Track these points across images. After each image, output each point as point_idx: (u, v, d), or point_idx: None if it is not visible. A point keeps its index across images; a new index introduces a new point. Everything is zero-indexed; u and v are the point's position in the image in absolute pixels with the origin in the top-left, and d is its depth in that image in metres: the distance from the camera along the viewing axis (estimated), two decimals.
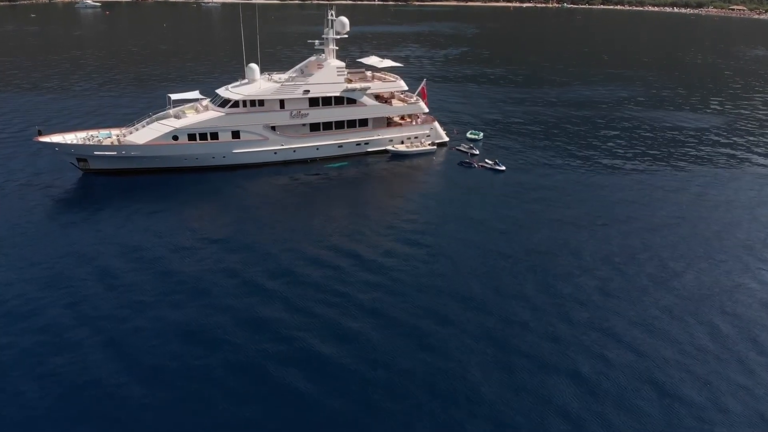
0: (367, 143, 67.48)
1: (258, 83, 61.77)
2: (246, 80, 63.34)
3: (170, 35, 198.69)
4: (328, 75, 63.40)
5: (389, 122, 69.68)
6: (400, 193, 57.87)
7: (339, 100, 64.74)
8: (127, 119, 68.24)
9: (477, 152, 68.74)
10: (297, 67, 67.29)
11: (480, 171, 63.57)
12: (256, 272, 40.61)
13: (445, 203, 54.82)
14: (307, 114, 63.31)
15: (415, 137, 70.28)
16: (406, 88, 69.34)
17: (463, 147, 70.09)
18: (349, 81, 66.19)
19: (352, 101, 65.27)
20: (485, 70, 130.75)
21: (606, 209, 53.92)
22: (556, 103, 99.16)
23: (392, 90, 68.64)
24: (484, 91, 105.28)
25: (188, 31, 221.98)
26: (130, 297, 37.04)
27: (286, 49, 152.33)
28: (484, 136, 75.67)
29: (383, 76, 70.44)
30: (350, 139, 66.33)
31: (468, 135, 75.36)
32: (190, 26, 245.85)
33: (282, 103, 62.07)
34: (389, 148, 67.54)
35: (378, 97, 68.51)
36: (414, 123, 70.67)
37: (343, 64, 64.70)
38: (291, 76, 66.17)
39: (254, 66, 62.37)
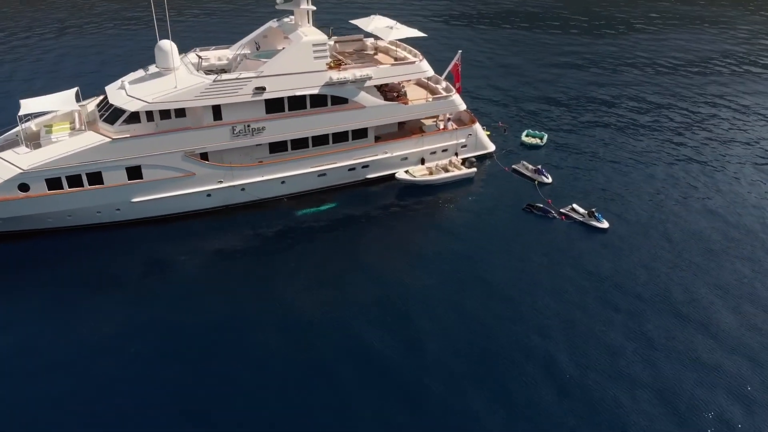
0: (366, 167, 41.42)
1: (173, 76, 35.25)
2: (154, 69, 36.62)
3: None
4: (299, 57, 36.73)
5: (400, 128, 43.30)
6: (418, 284, 32.49)
7: (318, 101, 38.39)
8: None
9: (549, 179, 42.51)
10: (244, 41, 40.24)
11: (563, 226, 37.70)
12: None
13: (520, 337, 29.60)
14: (263, 128, 37.07)
15: (444, 150, 43.89)
16: (431, 72, 42.22)
17: (526, 167, 43.75)
18: (336, 65, 39.37)
19: (340, 101, 38.79)
20: (532, 22, 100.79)
21: None
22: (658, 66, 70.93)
23: (408, 78, 41.67)
24: (533, 53, 76.60)
25: None
26: None
27: (228, 11, 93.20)
28: (548, 139, 48.94)
29: (394, 50, 43.22)
30: (338, 162, 40.28)
31: (524, 138, 48.65)
32: None
33: (217, 111, 35.80)
34: (401, 176, 41.29)
35: (384, 89, 41.69)
36: (442, 127, 44.09)
37: (324, 37, 37.70)
38: (235, 60, 39.34)
39: (166, 45, 35.59)
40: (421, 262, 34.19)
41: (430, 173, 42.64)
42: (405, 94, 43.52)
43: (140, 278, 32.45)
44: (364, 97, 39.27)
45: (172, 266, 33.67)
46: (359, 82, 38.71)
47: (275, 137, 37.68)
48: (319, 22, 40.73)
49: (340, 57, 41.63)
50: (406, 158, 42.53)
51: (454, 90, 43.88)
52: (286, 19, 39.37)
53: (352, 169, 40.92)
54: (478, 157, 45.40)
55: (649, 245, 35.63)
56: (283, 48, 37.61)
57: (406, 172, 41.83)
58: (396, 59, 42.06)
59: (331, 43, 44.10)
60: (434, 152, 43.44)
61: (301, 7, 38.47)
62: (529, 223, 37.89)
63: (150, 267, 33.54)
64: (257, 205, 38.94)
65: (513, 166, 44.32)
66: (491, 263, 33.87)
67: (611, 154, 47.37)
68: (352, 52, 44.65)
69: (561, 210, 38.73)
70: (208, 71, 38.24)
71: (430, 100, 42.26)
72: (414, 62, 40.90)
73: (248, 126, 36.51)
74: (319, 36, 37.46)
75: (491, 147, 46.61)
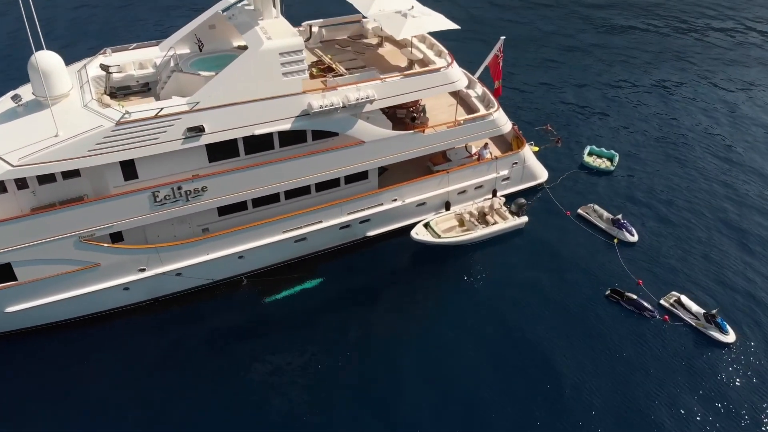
0: (365, 222, 28.28)
1: (63, 107, 21.78)
2: (30, 98, 22.92)
3: None
4: (258, 74, 23.14)
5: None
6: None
7: (293, 137, 24.81)
8: None
9: (634, 236, 29.44)
10: (180, 33, 26.29)
11: (666, 332, 25.02)
12: None
13: None
14: (204, 188, 23.80)
15: (478, 188, 30.54)
16: (464, 82, 28.14)
17: (599, 213, 30.70)
18: (321, 73, 25.94)
19: (326, 134, 25.30)
20: None
21: None
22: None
23: (430, 93, 27.52)
24: (586, 21, 60.39)
25: None
26: None
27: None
28: (620, 160, 35.21)
29: (409, 49, 28.83)
30: (324, 220, 27.12)
31: (586, 158, 34.96)
32: None
33: (129, 168, 22.49)
34: (419, 235, 28.07)
35: (394, 106, 27.92)
36: (475, 152, 30.58)
37: (297, 40, 23.75)
38: (164, 69, 25.67)
39: (46, 60, 21.88)
40: (452, 389, 22.00)
41: (461, 224, 29.55)
42: (424, 111, 29.72)
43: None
44: (363, 129, 25.72)
45: (76, 387, 21.77)
46: (355, 108, 25.03)
47: (224, 199, 24.48)
48: (291, 15, 26.45)
49: (328, 59, 27.57)
50: (424, 203, 29.30)
51: (495, 102, 29.90)
52: (239, 4, 25.04)
53: (345, 227, 27.86)
54: (524, 191, 32.10)
55: None
56: (234, 54, 23.83)
57: (426, 226, 28.73)
58: (412, 61, 27.93)
59: (315, 30, 29.86)
60: (464, 191, 30.12)
61: None
62: (615, 324, 25.19)
63: (43, 389, 21.52)
64: (203, 291, 26.26)
65: (579, 211, 31.05)
66: (564, 392, 21.65)
67: (736, 201, 33.44)
68: (346, 42, 30.48)
69: (661, 302, 25.95)
70: (120, 90, 24.67)
71: (461, 122, 28.38)
72: (439, 69, 26.81)
73: (179, 188, 23.24)
74: (289, 39, 23.46)
75: (543, 175, 33.09)
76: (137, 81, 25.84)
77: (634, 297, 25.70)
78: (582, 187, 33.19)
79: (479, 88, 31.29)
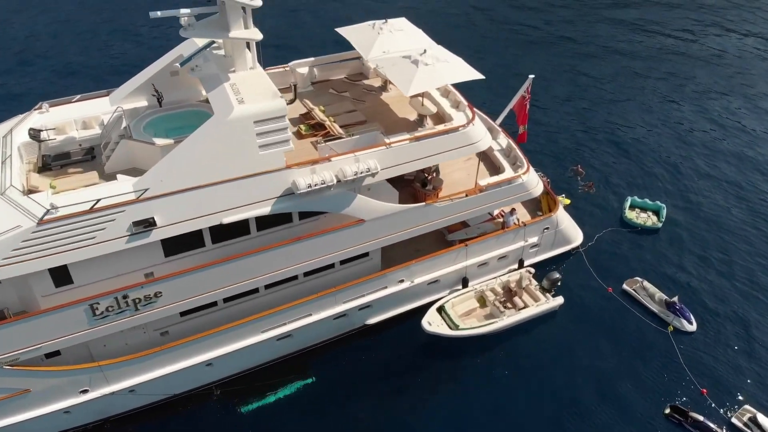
0: (365, 309, 23.05)
1: None
2: None
3: None
4: (227, 149, 17.86)
5: None
6: None
7: (271, 221, 19.59)
8: None
9: (693, 324, 24.27)
10: (135, 81, 21.01)
11: None
12: None
13: None
14: (158, 294, 18.62)
15: (502, 258, 25.29)
16: (488, 142, 22.71)
17: (649, 293, 25.51)
18: (311, 131, 20.76)
19: (313, 212, 20.09)
20: None
21: None
22: None
23: (447, 158, 22.05)
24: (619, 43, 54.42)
25: None
26: None
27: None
28: (667, 211, 29.83)
29: (420, 99, 23.08)
30: (315, 313, 21.90)
31: (627, 212, 29.61)
32: None
33: (61, 274, 17.32)
34: (430, 326, 22.91)
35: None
36: (498, 217, 25.30)
37: (278, 104, 18.46)
38: (112, 130, 20.39)
39: None
40: None
41: (482, 304, 24.47)
42: (437, 171, 24.50)
43: None
44: (362, 206, 20.53)
45: None
46: (353, 183, 19.83)
47: (185, 303, 19.36)
48: (267, 56, 21.13)
49: (319, 113, 22.29)
50: (437, 281, 24.13)
51: (524, 160, 24.55)
52: (199, 57, 19.57)
53: (341, 317, 22.72)
54: (556, 257, 26.93)
55: None
56: (202, 111, 18.76)
57: (440, 311, 23.60)
58: (423, 116, 22.57)
59: (303, 72, 24.56)
60: (484, 263, 24.92)
61: (233, 34, 18.70)
62: None
63: None
64: (166, 406, 21.22)
65: (625, 287, 25.82)
66: None
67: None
68: (343, 84, 25.22)
69: (733, 420, 20.84)
70: (57, 159, 19.57)
71: (483, 187, 23.05)
72: (458, 129, 21.45)
73: (124, 297, 18.12)
74: (268, 102, 18.20)
75: (578, 238, 27.82)
76: (80, 145, 20.65)
77: (701, 418, 20.54)
78: (624, 250, 27.92)
79: (503, 139, 25.94)
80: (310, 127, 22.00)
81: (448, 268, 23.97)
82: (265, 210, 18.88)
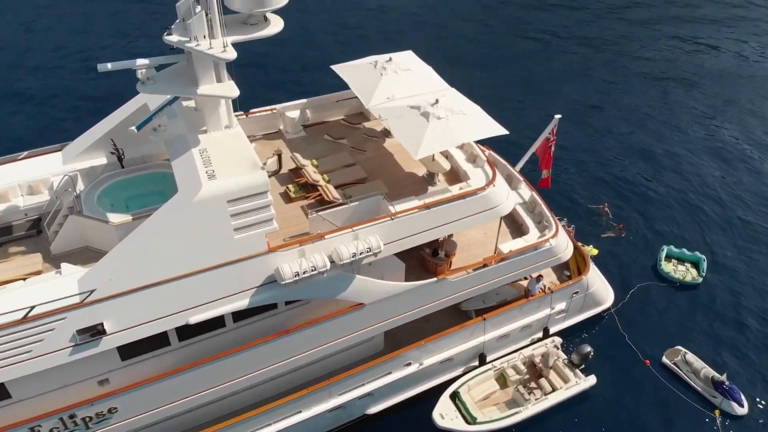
0: (366, 398, 19.54)
1: None
2: None
3: None
4: (191, 233, 14.42)
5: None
6: None
7: (250, 311, 16.14)
8: None
9: (743, 406, 20.79)
10: (75, 144, 17.68)
11: None
12: None
13: None
14: (113, 410, 15.20)
15: (525, 329, 21.82)
16: (509, 206, 19.09)
17: (693, 369, 21.97)
18: (300, 197, 17.54)
19: (298, 299, 16.73)
20: None
21: None
22: None
23: (465, 225, 18.46)
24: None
25: None
26: None
27: None
28: (708, 263, 26.27)
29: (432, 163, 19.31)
30: (305, 410, 18.37)
31: (663, 264, 26.05)
32: None
33: None
34: (440, 419, 19.42)
35: None
36: (524, 281, 21.82)
37: (258, 178, 15.00)
38: (61, 203, 16.89)
39: None
40: None
41: (502, 384, 21.04)
42: (450, 234, 20.95)
43: None
44: (362, 288, 17.12)
45: None
46: (351, 265, 16.39)
47: (147, 417, 15.94)
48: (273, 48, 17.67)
49: (311, 171, 18.85)
50: (450, 359, 20.69)
51: (552, 219, 21.01)
52: (160, 119, 15.99)
53: (337, 410, 19.29)
54: (584, 322, 23.49)
55: None
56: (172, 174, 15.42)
57: (453, 397, 20.17)
58: (431, 173, 19.08)
59: (294, 116, 21.10)
60: (505, 335, 21.49)
61: (202, 90, 15.16)
62: None
63: None
64: None
65: (664, 359, 22.36)
66: None
67: None
68: (340, 128, 21.76)
69: None
70: None
71: (506, 255, 19.55)
72: (476, 192, 17.95)
73: (71, 417, 14.73)
74: (244, 177, 14.72)
75: (608, 298, 24.32)
76: (25, 215, 17.25)
77: None
78: (661, 310, 24.46)
79: (525, 190, 22.42)
80: (300, 188, 18.56)
81: (462, 345, 20.55)
82: (242, 304, 15.47)
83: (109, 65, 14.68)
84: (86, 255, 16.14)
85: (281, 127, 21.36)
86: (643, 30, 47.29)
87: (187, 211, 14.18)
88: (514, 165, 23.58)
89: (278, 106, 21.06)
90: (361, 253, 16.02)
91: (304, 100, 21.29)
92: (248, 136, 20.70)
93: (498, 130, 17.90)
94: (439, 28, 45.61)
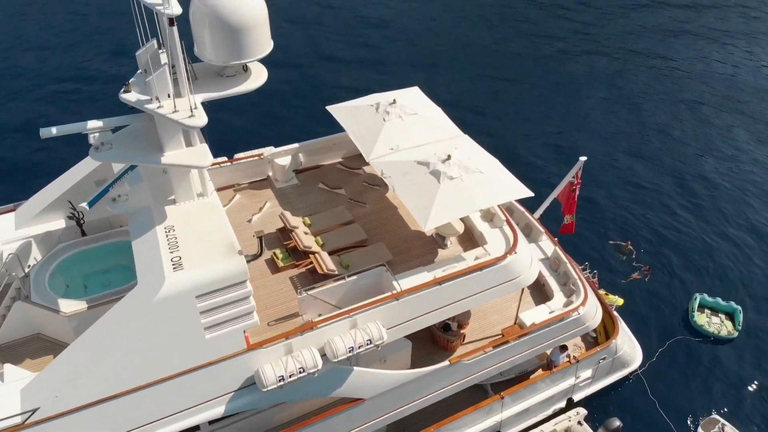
0: None
1: None
2: None
3: None
4: (152, 335, 12.01)
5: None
6: None
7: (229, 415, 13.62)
8: None
9: None
10: (29, 204, 15.03)
11: None
12: None
13: None
14: None
15: (546, 401, 19.23)
16: (533, 276, 16.40)
17: None
18: (289, 265, 15.22)
19: None
20: None
21: None
22: None
23: (479, 298, 15.87)
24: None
25: None
26: None
27: None
28: (744, 315, 23.64)
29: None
30: None
31: (696, 315, 23.45)
32: None
33: None
34: None
35: None
36: (548, 352, 19.15)
37: (234, 268, 12.28)
38: (2, 303, 14.14)
39: None
40: None
41: None
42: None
43: None
44: (360, 382, 14.55)
45: None
46: (348, 360, 13.82)
47: None
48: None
49: (302, 234, 16.22)
50: None
51: (580, 283, 18.36)
52: (120, 195, 13.34)
53: None
54: (611, 386, 20.96)
55: None
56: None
57: None
58: (442, 235, 16.47)
59: (284, 164, 18.53)
60: (525, 411, 18.94)
61: (167, 158, 12.54)
62: None
63: None
64: None
65: (700, 431, 19.82)
66: None
67: None
68: (337, 176, 19.16)
69: None
70: None
71: (528, 329, 16.94)
72: (495, 262, 15.29)
73: None
74: (219, 264, 12.13)
75: (637, 358, 21.74)
76: None
77: None
78: (695, 370, 21.95)
79: (547, 243, 19.80)
80: (289, 255, 15.95)
81: (476, 426, 18.01)
82: (217, 412, 12.94)
83: (54, 130, 12.06)
84: (37, 345, 13.67)
85: (270, 174, 18.75)
86: (671, 48, 44.20)
87: (147, 311, 11.62)
88: (532, 212, 20.95)
89: (267, 151, 18.42)
90: (359, 346, 13.47)
91: (296, 145, 18.66)
92: (233, 185, 18.33)
93: (521, 191, 15.26)
94: (443, 48, 42.77)
